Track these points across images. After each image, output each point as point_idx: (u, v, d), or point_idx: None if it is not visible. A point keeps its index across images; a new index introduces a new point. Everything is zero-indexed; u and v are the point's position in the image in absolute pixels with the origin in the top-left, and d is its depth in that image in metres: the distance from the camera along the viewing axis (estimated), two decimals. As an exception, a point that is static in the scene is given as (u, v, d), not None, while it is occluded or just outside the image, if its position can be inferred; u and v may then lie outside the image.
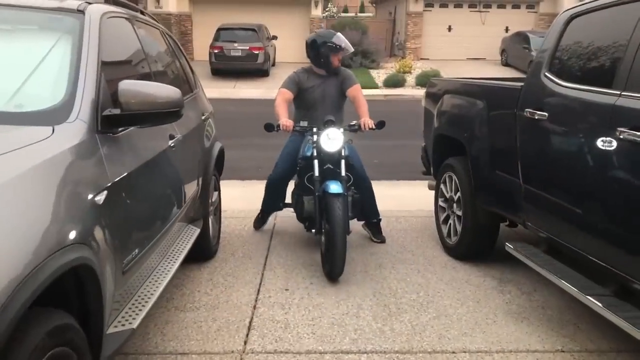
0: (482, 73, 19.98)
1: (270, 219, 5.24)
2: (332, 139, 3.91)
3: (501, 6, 23.37)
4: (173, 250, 3.07)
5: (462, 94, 4.32)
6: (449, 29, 23.45)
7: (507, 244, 3.43)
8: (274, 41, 21.00)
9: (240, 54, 18.33)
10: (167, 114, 2.24)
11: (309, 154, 4.05)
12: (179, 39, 22.77)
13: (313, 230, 4.07)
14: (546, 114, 3.04)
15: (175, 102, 2.25)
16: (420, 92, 17.43)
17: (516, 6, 23.39)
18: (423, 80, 17.72)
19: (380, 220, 4.71)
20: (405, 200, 6.24)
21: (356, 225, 4.84)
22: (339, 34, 4.44)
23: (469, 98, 4.09)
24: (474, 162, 3.87)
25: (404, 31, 23.75)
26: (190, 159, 3.43)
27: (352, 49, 4.54)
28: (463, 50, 23.07)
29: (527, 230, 3.48)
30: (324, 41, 4.32)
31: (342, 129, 4.06)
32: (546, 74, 3.15)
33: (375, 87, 17.78)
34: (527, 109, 3.22)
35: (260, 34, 18.89)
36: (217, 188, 4.40)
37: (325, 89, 4.44)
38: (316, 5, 22.88)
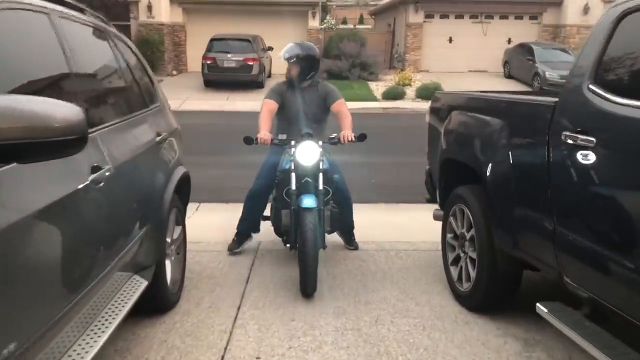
0: (485, 85, 19.38)
1: (253, 245, 4.58)
2: (307, 153, 3.86)
3: (503, 17, 22.78)
4: (99, 322, 2.32)
5: (474, 111, 3.60)
6: (450, 40, 22.84)
7: (538, 305, 2.67)
8: (269, 52, 20.35)
9: (234, 65, 17.67)
10: (59, 144, 1.52)
11: (287, 167, 4.00)
12: (173, 50, 22.21)
13: (288, 245, 4.02)
14: (593, 139, 2.32)
15: (72, 127, 1.53)
16: (421, 105, 16.99)
17: (519, 17, 22.81)
18: (423, 93, 17.09)
19: (353, 228, 4.76)
20: (406, 228, 5.51)
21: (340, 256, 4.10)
22: (293, 45, 4.40)
23: (483, 116, 3.37)
24: (492, 194, 3.13)
25: (403, 43, 23.15)
26: (131, 193, 2.71)
27: (292, 56, 4.31)
28: (464, 62, 22.44)
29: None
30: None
31: (320, 142, 4.00)
32: (591, 86, 2.43)
33: (374, 99, 17.11)
34: (564, 132, 2.50)
35: (255, 45, 18.27)
36: (181, 222, 3.66)
37: (305, 101, 4.39)
38: (314, 16, 22.29)
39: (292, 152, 3.93)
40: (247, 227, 4.59)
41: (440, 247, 4.11)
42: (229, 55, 17.73)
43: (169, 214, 3.24)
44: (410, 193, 7.16)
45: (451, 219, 3.74)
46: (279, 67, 18.86)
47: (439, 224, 4.16)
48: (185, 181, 3.69)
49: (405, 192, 7.22)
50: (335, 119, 4.59)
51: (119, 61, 2.98)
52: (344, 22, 39.12)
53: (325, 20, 35.78)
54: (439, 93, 4.58)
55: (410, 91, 17.89)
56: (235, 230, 4.62)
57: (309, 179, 3.85)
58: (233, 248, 4.58)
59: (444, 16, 22.81)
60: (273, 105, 4.35)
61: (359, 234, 4.95)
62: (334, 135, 4.26)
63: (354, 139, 4.21)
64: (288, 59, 4.29)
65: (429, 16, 22.69)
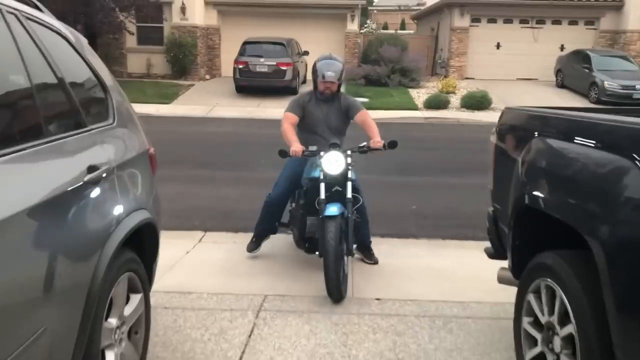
0: (537, 96, 17.90)
1: (256, 303, 3.56)
2: (333, 162, 3.96)
3: (556, 22, 21.22)
4: None
5: (577, 139, 2.39)
6: (497, 46, 21.40)
7: None
8: (305, 57, 19.37)
9: (266, 69, 16.71)
10: None
11: (316, 176, 4.06)
12: (206, 54, 21.47)
13: (317, 253, 3.96)
14: None
15: None
16: (467, 115, 15.67)
17: (573, 22, 21.20)
18: (469, 102, 15.80)
19: (370, 242, 4.67)
20: (455, 279, 4.33)
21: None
22: (332, 60, 4.35)
23: (595, 149, 2.19)
24: (612, 273, 1.95)
25: (447, 48, 21.83)
26: (32, 262, 1.65)
27: (334, 82, 4.31)
28: (512, 69, 20.96)
29: None
30: (314, 64, 4.41)
31: (349, 151, 4.12)
32: None
33: (414, 108, 15.88)
34: None
35: (289, 49, 17.28)
36: (140, 288, 2.58)
37: (327, 113, 4.44)
38: (352, 20, 21.18)
39: (320, 162, 3.99)
40: (264, 229, 4.70)
41: (506, 314, 2.95)
42: (262, 60, 16.79)
43: (110, 285, 2.17)
44: (458, 225, 5.98)
45: (531, 297, 2.55)
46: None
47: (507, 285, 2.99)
48: (148, 231, 2.62)
49: (452, 224, 6.03)
50: (359, 130, 4.56)
51: (25, 56, 1.92)
52: (385, 27, 37.96)
53: (365, 25, 34.72)
54: (512, 109, 3.38)
55: (454, 100, 16.59)
56: (254, 232, 4.74)
57: (338, 188, 3.97)
58: (252, 249, 4.72)
59: (491, 20, 21.39)
60: (294, 119, 4.37)
61: (393, 284, 3.86)
62: (363, 144, 4.29)
63: (383, 146, 4.22)
64: (322, 75, 4.27)
65: (475, 20, 21.32)
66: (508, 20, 21.29)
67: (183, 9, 19.77)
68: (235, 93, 17.33)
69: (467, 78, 20.95)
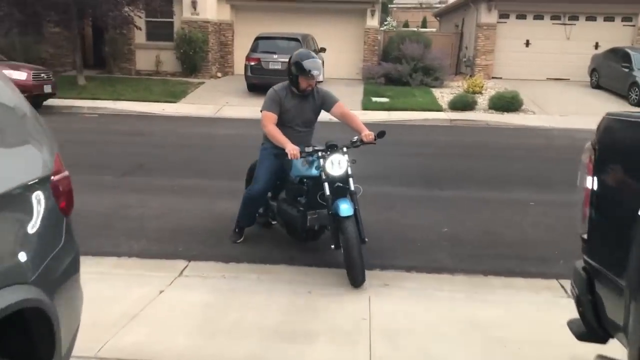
0: (571, 97, 16.61)
1: None
2: (336, 165, 4.16)
3: (590, 18, 19.85)
4: None
5: None
6: (527, 43, 20.09)
7: None
8: (322, 54, 18.25)
9: (280, 67, 15.58)
10: None
11: (315, 174, 4.23)
12: (218, 50, 20.51)
13: (332, 246, 4.24)
14: None
15: None
16: (496, 117, 14.31)
17: (609, 18, 19.81)
18: (498, 103, 14.57)
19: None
20: (512, 342, 3.22)
21: None
22: (315, 59, 4.36)
23: None
24: None
25: (472, 46, 20.58)
26: None
27: (321, 79, 4.73)
28: (543, 68, 19.68)
29: None
30: (297, 61, 4.33)
31: (345, 149, 4.29)
32: None
33: (439, 109, 14.70)
34: None
35: (305, 45, 16.16)
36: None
37: (303, 108, 4.47)
38: (372, 15, 20.03)
39: (321, 164, 4.17)
40: (248, 222, 4.93)
41: None
42: (275, 56, 15.74)
43: None
44: (499, 255, 4.85)
45: None
46: (333, 69, 16.71)
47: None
48: (36, 318, 1.55)
49: (494, 254, 4.90)
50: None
51: None
52: (405, 25, 36.74)
53: (385, 23, 33.54)
54: (623, 117, 2.20)
55: (482, 100, 15.37)
56: (236, 223, 4.92)
57: (339, 184, 4.20)
58: (236, 239, 4.92)
59: (520, 16, 20.08)
60: (275, 117, 4.38)
61: (426, 350, 2.76)
62: (355, 138, 4.41)
63: (374, 139, 4.39)
64: (308, 72, 4.25)
65: (503, 16, 20.03)
66: (538, 16, 19.97)
67: (194, 3, 18.79)
68: (247, 92, 16.32)
69: (493, 77, 19.69)
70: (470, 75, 18.72)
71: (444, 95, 16.64)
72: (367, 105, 15.03)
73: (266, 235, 5.13)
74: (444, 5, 29.60)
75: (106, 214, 5.68)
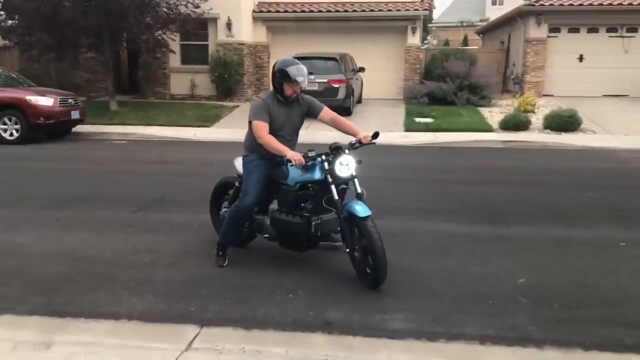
0: (634, 114, 15.22)
1: None
2: (345, 165, 4.16)
3: (651, 30, 18.45)
4: None
5: None
6: (580, 58, 18.75)
7: None
8: (360, 73, 17.42)
9: (317, 87, 14.81)
10: None
11: (318, 177, 4.20)
12: (254, 73, 19.88)
13: (347, 250, 4.29)
14: None
15: None
16: (553, 138, 12.92)
17: (671, 29, 18.37)
18: (554, 123, 13.36)
19: None
20: None
21: None
22: (300, 65, 4.33)
23: None
24: None
25: (521, 62, 19.38)
26: None
27: (305, 86, 4.39)
28: (598, 85, 18.30)
29: None
30: (281, 68, 4.33)
31: (346, 150, 4.26)
32: None
33: (489, 129, 13.57)
34: None
35: (342, 65, 15.37)
36: None
37: (290, 115, 4.47)
38: (414, 32, 19.09)
39: (325, 167, 4.15)
40: (233, 241, 4.70)
41: None
42: (312, 77, 14.85)
43: None
44: (603, 319, 3.68)
45: None
46: (372, 89, 15.88)
47: None
48: None
49: (591, 316, 3.77)
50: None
51: None
52: (446, 44, 35.69)
53: (425, 41, 32.59)
54: None
55: (535, 119, 14.17)
56: (218, 245, 4.71)
57: (344, 186, 4.31)
58: (222, 263, 4.65)
59: (573, 30, 18.80)
60: (267, 126, 4.30)
61: None
62: (353, 140, 4.39)
63: (372, 139, 4.35)
64: (292, 79, 4.25)
65: (554, 30, 18.79)
66: (593, 29, 18.65)
67: (229, 25, 18.26)
68: (283, 114, 15.53)
69: (544, 95, 18.42)
70: (520, 93, 17.51)
71: (492, 114, 15.51)
72: (410, 127, 14.03)
73: (290, 286, 4.17)
74: (487, 22, 28.48)
75: (111, 260, 4.82)
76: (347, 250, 4.25)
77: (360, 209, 4.06)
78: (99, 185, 7.80)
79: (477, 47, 28.16)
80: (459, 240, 5.37)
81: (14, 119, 11.60)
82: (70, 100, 12.41)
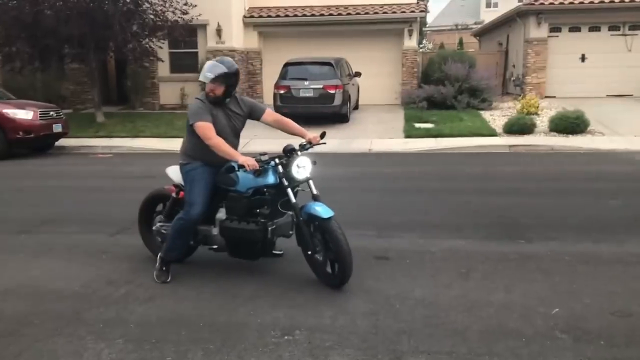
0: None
1: None
2: (302, 167, 4.09)
3: (654, 27, 17.94)
4: None
5: None
6: (582, 58, 18.23)
7: None
8: (356, 78, 16.84)
9: (311, 94, 14.28)
10: None
11: (272, 182, 4.07)
12: (246, 80, 19.24)
13: (309, 252, 4.18)
14: None
15: None
16: (560, 141, 12.25)
17: (675, 26, 17.86)
18: (560, 125, 12.77)
19: None
20: None
21: None
22: (216, 62, 4.19)
23: None
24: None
25: (521, 63, 18.84)
26: None
27: (215, 84, 4.14)
28: (601, 85, 17.75)
29: None
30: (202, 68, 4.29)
31: (299, 152, 4.16)
32: None
33: (493, 133, 12.97)
34: None
35: (338, 70, 14.76)
36: None
37: (231, 117, 4.31)
38: (410, 35, 18.53)
39: (280, 169, 4.05)
40: (176, 255, 4.46)
41: None
42: (306, 83, 14.36)
43: None
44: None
45: None
46: (369, 95, 15.25)
47: None
48: None
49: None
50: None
51: None
52: (441, 47, 35.25)
53: (421, 45, 32.06)
54: None
55: (540, 122, 13.59)
56: (161, 260, 4.42)
57: (299, 188, 4.21)
58: (166, 278, 4.38)
59: (574, 29, 18.27)
60: (213, 128, 4.11)
61: None
62: (304, 142, 4.30)
63: (320, 140, 4.30)
64: (213, 80, 4.12)
65: (554, 29, 18.26)
66: (595, 28, 18.12)
67: (219, 32, 17.70)
68: (277, 122, 14.89)
69: (547, 97, 17.86)
70: (522, 95, 16.95)
71: (494, 117, 14.94)
72: (410, 133, 13.41)
73: (284, 324, 3.54)
74: (484, 24, 28.00)
75: (80, 295, 4.18)
76: (309, 252, 4.13)
77: (322, 210, 3.98)
78: (77, 205, 7.16)
79: (474, 50, 27.68)
80: (475, 260, 4.74)
81: (-9, 134, 10.98)
82: (52, 113, 11.78)
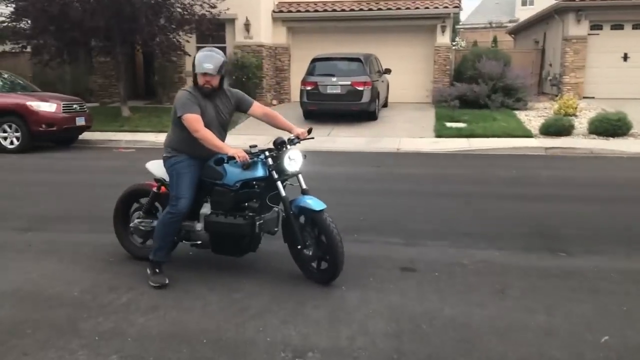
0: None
1: None
2: (294, 160, 4.00)
3: (702, 25, 17.02)
4: None
5: None
6: (625, 57, 17.42)
7: None
8: (386, 75, 16.37)
9: (339, 91, 13.86)
10: None
11: (263, 175, 3.95)
12: (274, 76, 18.96)
13: (299, 246, 4.07)
14: None
15: None
16: (601, 144, 11.47)
17: None
18: (601, 127, 12.13)
19: None
20: None
21: None
22: (211, 53, 4.01)
23: None
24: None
25: (558, 62, 18.10)
26: None
27: (213, 75, 3.98)
28: (646, 85, 16.96)
29: None
30: (194, 58, 4.09)
31: (289, 146, 4.06)
32: None
33: (528, 135, 12.38)
34: None
35: (367, 66, 14.31)
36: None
37: (219, 109, 4.17)
38: (443, 31, 17.95)
39: (270, 162, 3.93)
40: (165, 253, 4.26)
41: None
42: (334, 79, 13.95)
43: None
44: None
45: None
46: (399, 92, 14.64)
47: None
48: None
49: None
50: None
51: None
52: (475, 45, 34.45)
53: (454, 43, 31.33)
54: None
55: (579, 124, 12.93)
56: (152, 263, 4.21)
57: (289, 183, 4.15)
58: (163, 281, 4.12)
59: (616, 26, 17.46)
60: (201, 120, 3.97)
61: None
62: (292, 136, 4.21)
63: (307, 135, 4.22)
64: (218, 71, 3.99)
65: (595, 27, 17.49)
66: (638, 26, 17.29)
67: (247, 26, 17.41)
68: (303, 119, 14.53)
69: (585, 97, 17.12)
70: (560, 95, 16.25)
71: (530, 118, 14.31)
72: (440, 132, 12.90)
73: (297, 343, 3.15)
74: (519, 22, 27.16)
75: (78, 302, 3.88)
76: (298, 247, 4.03)
77: (313, 203, 3.91)
78: (89, 201, 6.91)
79: (509, 48, 26.88)
80: (512, 275, 4.29)
81: (14, 126, 10.85)
82: (75, 106, 11.63)
